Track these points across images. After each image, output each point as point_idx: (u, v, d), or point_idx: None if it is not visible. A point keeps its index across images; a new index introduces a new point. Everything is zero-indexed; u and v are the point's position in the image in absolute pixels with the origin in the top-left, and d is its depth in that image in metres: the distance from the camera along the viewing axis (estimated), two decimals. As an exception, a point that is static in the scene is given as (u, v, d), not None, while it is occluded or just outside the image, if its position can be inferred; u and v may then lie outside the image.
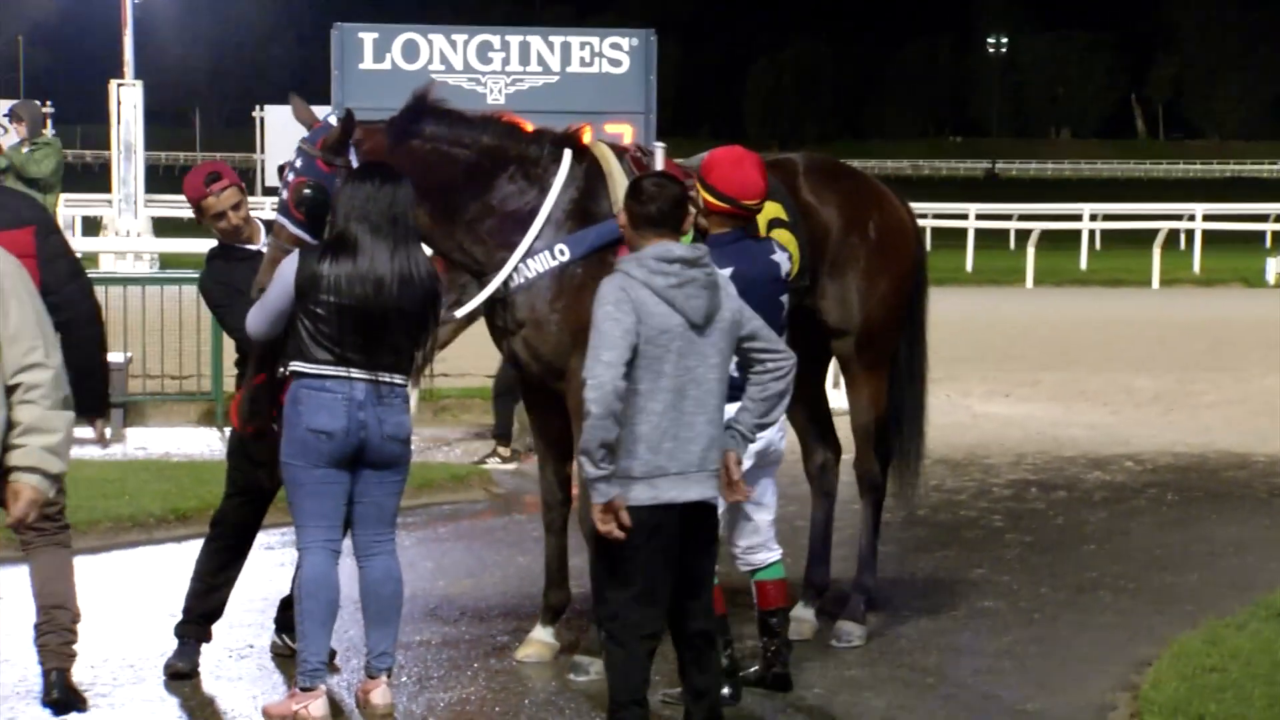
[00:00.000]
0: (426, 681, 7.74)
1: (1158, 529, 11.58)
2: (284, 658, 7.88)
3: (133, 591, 9.36)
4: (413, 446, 14.19)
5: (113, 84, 21.98)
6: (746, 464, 6.88)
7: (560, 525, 8.17)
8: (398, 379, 7.08)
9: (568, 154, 7.96)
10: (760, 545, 7.57)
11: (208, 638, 7.81)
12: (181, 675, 7.65)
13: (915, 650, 8.41)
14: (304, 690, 7.05)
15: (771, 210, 7.95)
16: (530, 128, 8.12)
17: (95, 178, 55.71)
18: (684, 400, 6.19)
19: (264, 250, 7.58)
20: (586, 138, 8.16)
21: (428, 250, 7.42)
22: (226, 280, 7.67)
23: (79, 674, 7.73)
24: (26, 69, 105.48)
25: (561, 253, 7.78)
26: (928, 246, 45.32)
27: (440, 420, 16.11)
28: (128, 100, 20.75)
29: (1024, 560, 10.54)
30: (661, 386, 6.15)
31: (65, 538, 7.32)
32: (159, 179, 56.22)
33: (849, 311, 8.46)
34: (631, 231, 6.37)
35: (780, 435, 7.56)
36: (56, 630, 7.20)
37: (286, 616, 7.86)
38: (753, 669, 7.65)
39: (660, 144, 8.33)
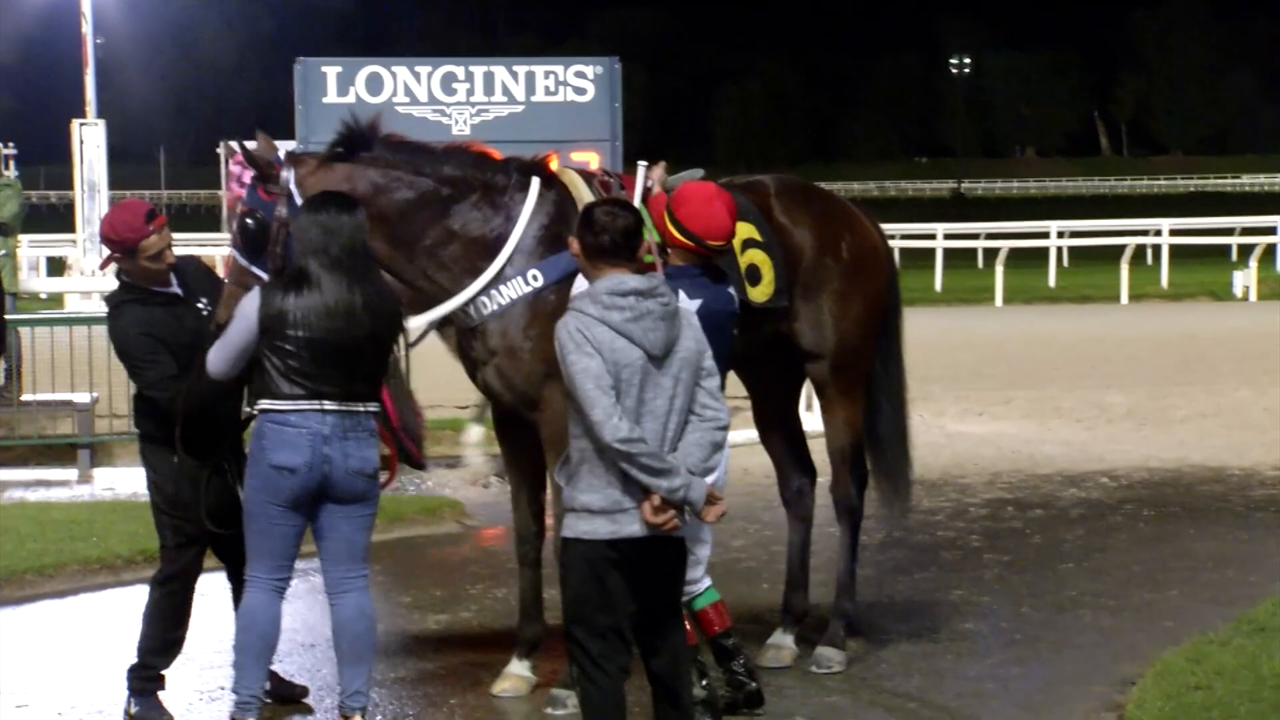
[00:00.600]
0: (402, 718, 7.62)
1: (1136, 545, 11.51)
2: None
3: (101, 635, 9.20)
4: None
5: (75, 124, 21.91)
6: None
7: (534, 558, 8.06)
8: (371, 407, 7.00)
9: (536, 181, 7.87)
10: (697, 579, 7.45)
11: (163, 686, 7.65)
12: None
13: (896, 675, 8.31)
14: None
15: (745, 231, 7.88)
16: (499, 156, 8.05)
17: (60, 218, 55.49)
18: (654, 436, 6.08)
19: (179, 292, 7.48)
20: (554, 165, 8.07)
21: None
22: (148, 330, 7.42)
23: (45, 721, 7.65)
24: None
25: (534, 278, 7.69)
26: (897, 267, 45.35)
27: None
28: (90, 140, 20.68)
29: (1003, 580, 10.46)
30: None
31: None
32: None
33: (823, 334, 8.38)
34: (585, 262, 6.24)
35: (723, 472, 7.41)
36: None
37: None
38: (720, 696, 7.53)
39: (643, 163, 8.22)
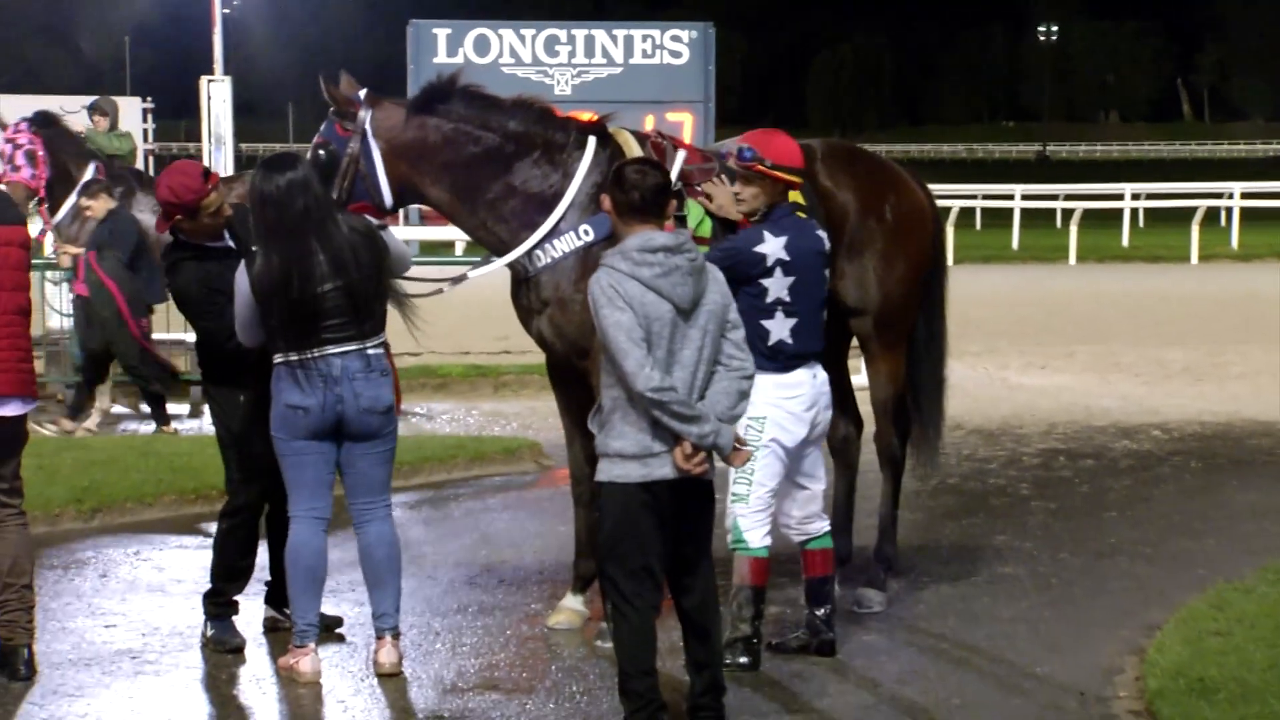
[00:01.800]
0: (459, 648, 7.64)
1: (1179, 496, 11.35)
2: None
3: (189, 563, 9.25)
4: (472, 420, 14.42)
5: (203, 80, 22.06)
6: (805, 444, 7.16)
7: (589, 498, 8.02)
8: (369, 347, 7.01)
9: (592, 140, 7.84)
10: (813, 515, 7.43)
11: (236, 611, 7.72)
12: (235, 649, 7.54)
13: (933, 616, 8.24)
14: (297, 648, 7.12)
15: (790, 196, 7.80)
16: (560, 114, 8.04)
17: (193, 169, 55.73)
18: (685, 385, 6.07)
19: (232, 245, 7.50)
20: (611, 126, 8.02)
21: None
22: (205, 282, 7.43)
23: (129, 641, 7.73)
24: (132, 68, 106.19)
25: (585, 234, 7.67)
26: (978, 226, 44.94)
27: (500, 395, 16.05)
28: (217, 95, 20.73)
29: (1046, 527, 10.34)
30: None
31: (26, 519, 7.32)
32: (253, 167, 56.52)
33: (867, 292, 8.28)
34: (616, 219, 6.25)
35: (829, 412, 7.41)
36: (26, 608, 7.16)
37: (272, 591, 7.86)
38: (794, 636, 7.51)
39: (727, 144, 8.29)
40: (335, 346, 6.97)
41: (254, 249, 7.05)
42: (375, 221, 7.30)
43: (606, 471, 6.14)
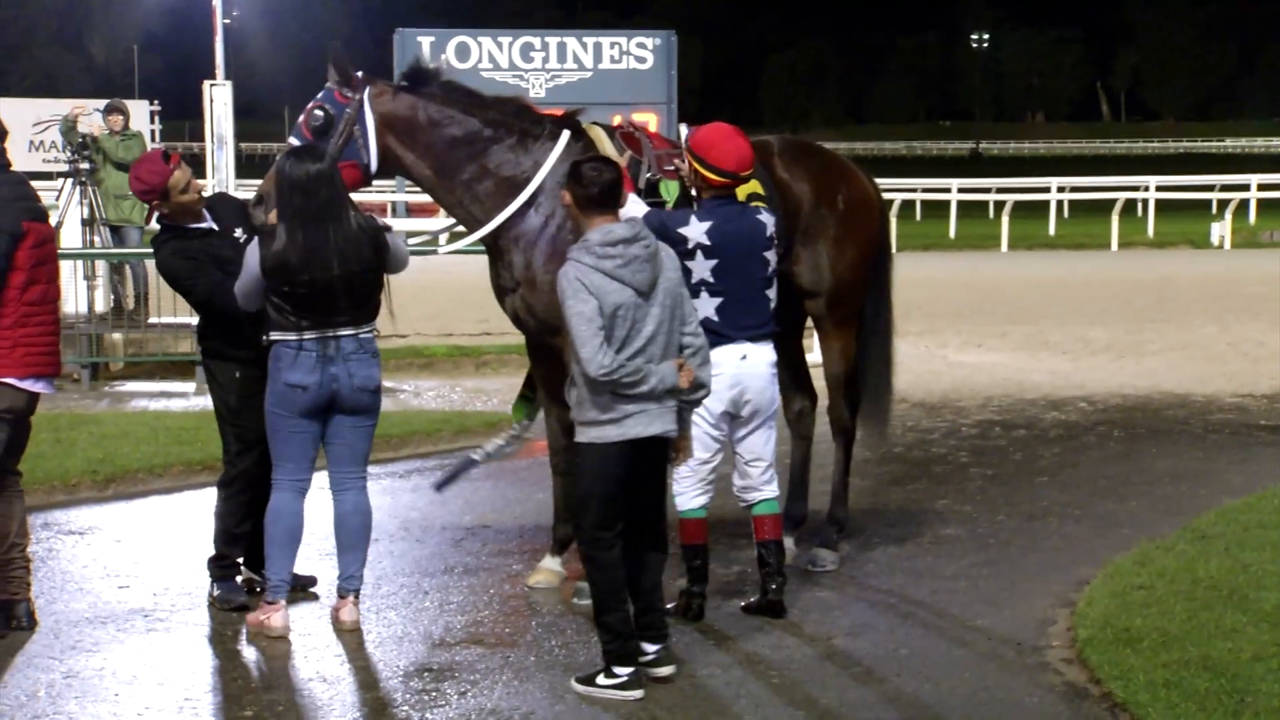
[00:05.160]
0: (446, 606, 7.58)
1: (1104, 462, 11.34)
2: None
3: (197, 528, 9.17)
4: (456, 396, 14.35)
5: (206, 84, 21.89)
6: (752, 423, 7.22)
7: (565, 467, 7.95)
8: (364, 332, 7.01)
9: (566, 133, 7.78)
10: (754, 485, 7.36)
11: (240, 572, 7.66)
12: (239, 608, 7.44)
13: (881, 574, 8.20)
14: (269, 604, 7.09)
15: (749, 187, 7.74)
16: (536, 109, 7.99)
17: (196, 166, 55.57)
18: (637, 355, 6.23)
19: (213, 226, 7.44)
20: (584, 122, 7.97)
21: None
22: (186, 254, 7.35)
23: (141, 601, 7.65)
24: (140, 73, 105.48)
25: (554, 218, 7.62)
26: (918, 217, 45.12)
27: (481, 374, 15.98)
28: (219, 98, 20.53)
29: (984, 491, 10.32)
30: (620, 347, 6.21)
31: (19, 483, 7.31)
32: (253, 165, 56.39)
33: (820, 275, 8.23)
34: (576, 211, 6.39)
35: (763, 395, 7.29)
36: (26, 565, 7.18)
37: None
38: (753, 598, 7.46)
39: (684, 125, 8.26)
40: (334, 329, 6.93)
41: (271, 232, 6.94)
42: (381, 222, 7.22)
43: (584, 434, 6.33)
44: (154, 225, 7.75)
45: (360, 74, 7.72)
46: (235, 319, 7.24)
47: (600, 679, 6.27)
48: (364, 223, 7.02)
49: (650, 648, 6.39)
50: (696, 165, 7.22)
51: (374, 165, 7.66)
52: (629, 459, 6.28)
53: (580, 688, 6.29)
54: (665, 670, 6.40)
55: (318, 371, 6.89)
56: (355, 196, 7.32)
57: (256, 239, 6.99)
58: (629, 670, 6.26)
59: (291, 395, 6.92)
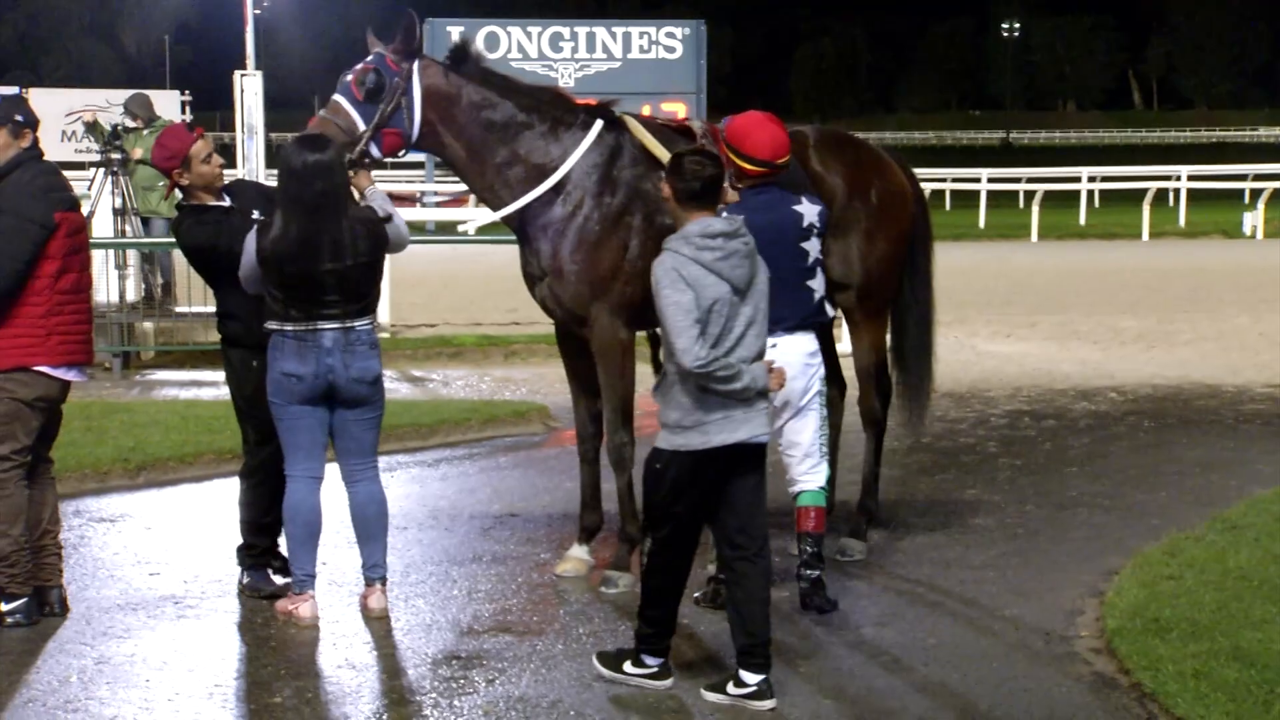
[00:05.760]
0: (474, 594, 7.60)
1: (1133, 452, 11.30)
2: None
3: (227, 516, 9.21)
4: (485, 386, 14.38)
5: (236, 74, 21.99)
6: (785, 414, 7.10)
7: (593, 455, 8.01)
8: (361, 324, 6.99)
9: (599, 123, 7.77)
10: (793, 477, 7.32)
11: (268, 561, 7.67)
12: (269, 596, 7.46)
13: (909, 563, 8.20)
14: (296, 595, 7.13)
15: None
16: (573, 99, 7.99)
17: (227, 156, 55.74)
18: (729, 354, 5.99)
19: (231, 205, 7.45)
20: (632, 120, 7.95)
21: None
22: (206, 227, 7.32)
23: (172, 588, 7.70)
24: (171, 63, 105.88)
25: (581, 208, 7.63)
26: (947, 206, 44.97)
27: (509, 363, 16.00)
28: (249, 88, 20.62)
29: (1013, 482, 10.30)
30: (714, 344, 5.97)
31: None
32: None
33: (851, 267, 8.20)
34: (674, 205, 6.17)
35: (797, 382, 7.29)
36: (59, 553, 7.25)
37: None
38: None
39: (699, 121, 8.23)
40: (328, 322, 6.92)
41: (269, 223, 6.96)
42: (388, 210, 7.20)
43: (667, 440, 6.06)
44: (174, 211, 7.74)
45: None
46: (254, 298, 7.16)
47: (628, 666, 6.22)
48: (362, 215, 7.00)
49: (752, 679, 6.05)
50: (732, 155, 7.20)
51: (415, 135, 7.66)
52: (715, 471, 6.03)
53: (605, 670, 6.25)
54: (766, 704, 6.01)
55: (311, 362, 6.89)
56: (383, 186, 7.34)
57: (257, 226, 7.01)
58: (659, 660, 6.19)
59: (287, 384, 6.94)
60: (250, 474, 7.58)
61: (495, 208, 7.84)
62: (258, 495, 7.55)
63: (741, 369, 5.98)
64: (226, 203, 7.47)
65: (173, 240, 13.41)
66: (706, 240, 6.00)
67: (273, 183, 7.29)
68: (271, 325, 6.97)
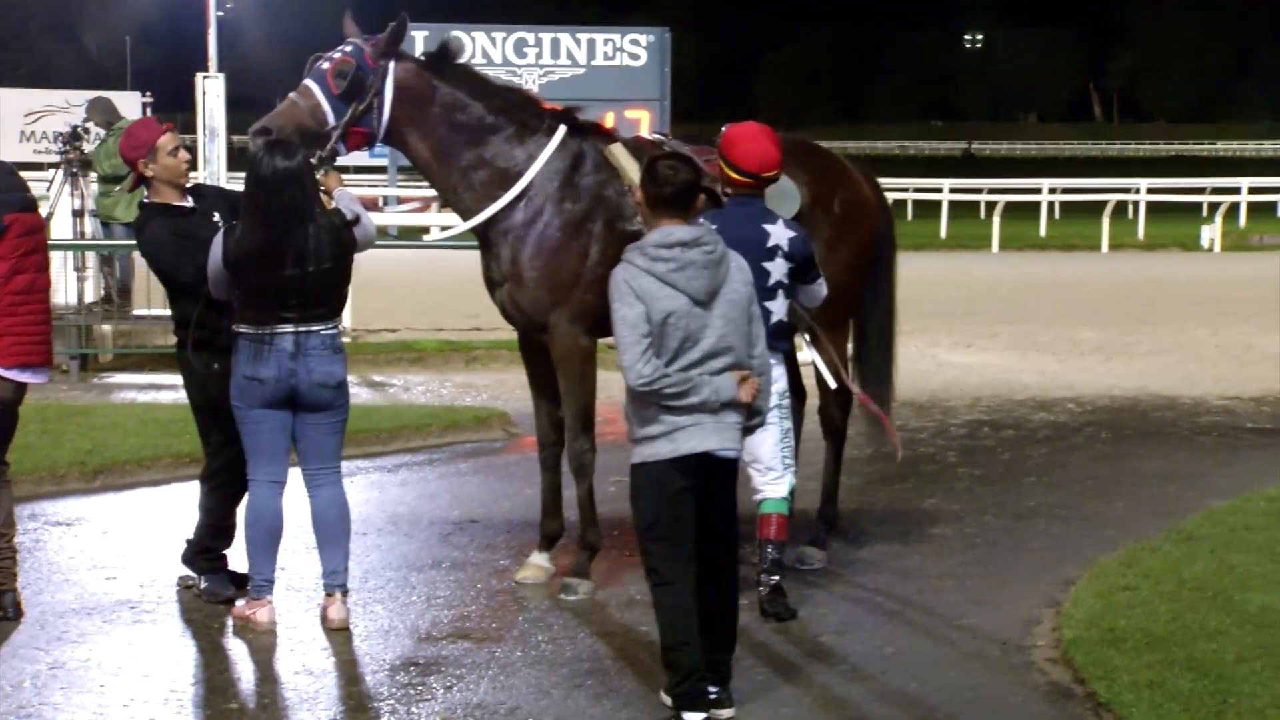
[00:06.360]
0: (433, 600, 7.58)
1: (1092, 463, 11.37)
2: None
3: (185, 520, 9.15)
4: (445, 391, 14.35)
5: (199, 76, 21.91)
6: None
7: (554, 463, 8.00)
8: (324, 328, 6.95)
9: (562, 129, 7.77)
10: (755, 486, 7.32)
11: (225, 565, 7.64)
12: (226, 600, 7.42)
13: (868, 572, 8.22)
14: (254, 600, 7.09)
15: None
16: (543, 103, 7.98)
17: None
18: (693, 368, 5.85)
19: (195, 206, 7.38)
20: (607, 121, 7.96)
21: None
22: (175, 231, 7.26)
23: (128, 592, 7.65)
24: (133, 64, 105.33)
25: (541, 214, 7.62)
26: (909, 217, 45.02)
27: (471, 369, 15.97)
28: (211, 90, 20.56)
29: (972, 491, 10.34)
30: (673, 357, 5.83)
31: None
32: (245, 158, 56.22)
33: (812, 276, 8.21)
34: (646, 210, 6.02)
35: (782, 400, 7.29)
36: (13, 556, 7.21)
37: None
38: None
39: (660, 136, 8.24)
40: (291, 326, 6.89)
41: (235, 221, 6.96)
42: (356, 211, 7.17)
43: (638, 454, 5.92)
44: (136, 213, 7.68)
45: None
46: (216, 304, 7.12)
47: None
48: (327, 222, 6.97)
49: (711, 688, 5.95)
50: (720, 163, 7.22)
51: (382, 134, 7.64)
52: (687, 478, 5.86)
53: None
54: (725, 713, 5.94)
55: (273, 365, 6.85)
56: (357, 191, 7.32)
57: (223, 230, 6.98)
58: (700, 717, 5.84)
59: (250, 388, 6.91)
60: (211, 477, 7.55)
61: (458, 209, 7.82)
62: (220, 498, 7.52)
63: (699, 381, 5.82)
64: (190, 203, 7.42)
65: (132, 243, 13.40)
66: (661, 251, 5.85)
67: (236, 186, 7.26)
68: (238, 328, 6.94)
